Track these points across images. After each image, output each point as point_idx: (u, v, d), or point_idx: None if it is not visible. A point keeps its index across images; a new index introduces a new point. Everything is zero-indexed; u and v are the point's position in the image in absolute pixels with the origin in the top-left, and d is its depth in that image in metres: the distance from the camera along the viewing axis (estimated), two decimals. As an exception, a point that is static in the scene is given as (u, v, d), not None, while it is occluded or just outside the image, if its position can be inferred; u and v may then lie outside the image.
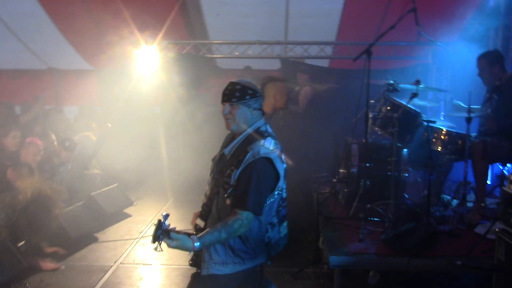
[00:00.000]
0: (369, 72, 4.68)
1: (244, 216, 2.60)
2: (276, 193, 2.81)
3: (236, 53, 9.45)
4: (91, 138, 7.95)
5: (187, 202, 7.44)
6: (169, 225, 2.44)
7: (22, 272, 4.74)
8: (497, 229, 3.45)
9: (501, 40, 7.09)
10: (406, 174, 5.30)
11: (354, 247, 4.24)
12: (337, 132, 6.16)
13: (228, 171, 2.76)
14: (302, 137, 7.51)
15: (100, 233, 6.18)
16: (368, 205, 4.99)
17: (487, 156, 4.88)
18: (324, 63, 9.94)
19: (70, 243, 5.55)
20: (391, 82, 5.17)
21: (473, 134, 5.16)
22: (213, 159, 3.06)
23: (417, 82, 5.16)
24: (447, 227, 4.61)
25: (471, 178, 5.00)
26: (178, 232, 2.44)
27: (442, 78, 8.47)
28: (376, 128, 5.17)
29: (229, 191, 2.71)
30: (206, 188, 2.96)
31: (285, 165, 2.87)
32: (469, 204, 4.97)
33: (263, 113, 2.96)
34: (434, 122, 5.03)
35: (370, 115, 5.08)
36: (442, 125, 5.36)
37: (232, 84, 2.85)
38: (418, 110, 5.16)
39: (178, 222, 4.78)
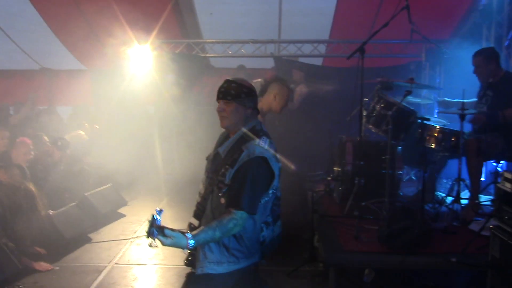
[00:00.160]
0: (363, 70, 4.68)
1: (239, 216, 2.59)
2: (271, 192, 2.80)
3: (230, 52, 9.45)
4: (83, 137, 7.89)
5: (182, 201, 7.41)
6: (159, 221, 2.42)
7: (15, 273, 4.70)
8: (491, 226, 3.46)
9: (493, 38, 7.11)
10: (401, 172, 5.31)
11: (349, 245, 4.24)
12: (331, 130, 6.16)
13: (223, 170, 2.74)
14: (297, 135, 7.50)
15: (94, 233, 6.15)
16: (363, 203, 5.00)
17: (481, 153, 4.90)
18: (318, 61, 9.96)
19: (63, 244, 5.51)
20: (385, 80, 5.17)
21: (467, 131, 5.17)
22: (207, 158, 3.04)
23: (411, 80, 5.17)
24: (441, 225, 4.62)
25: (465, 175, 5.01)
26: (172, 230, 2.43)
27: (436, 76, 8.50)
28: (370, 126, 5.17)
29: (224, 190, 2.70)
30: (200, 187, 2.94)
31: (280, 164, 2.86)
32: (464, 201, 4.98)
33: (258, 112, 2.95)
34: (428, 119, 5.03)
35: (364, 113, 5.08)
36: (436, 122, 5.37)
37: (228, 82, 2.84)
38: (411, 108, 5.17)
39: (173, 222, 4.75)
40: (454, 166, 5.15)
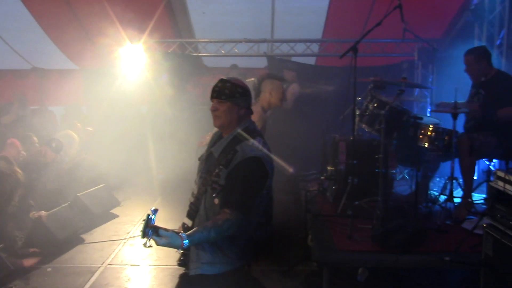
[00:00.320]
0: (356, 69, 4.68)
1: (234, 217, 2.57)
2: (264, 192, 2.79)
3: (223, 52, 9.44)
4: (73, 136, 7.82)
5: (175, 201, 7.37)
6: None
7: (7, 275, 4.67)
8: (484, 225, 3.47)
9: (485, 37, 7.14)
10: (394, 171, 5.31)
11: (343, 244, 4.23)
12: (324, 129, 6.16)
13: (217, 171, 2.73)
14: (290, 135, 7.50)
15: (87, 234, 6.12)
16: (356, 202, 5.00)
17: (473, 151, 4.91)
18: (311, 60, 9.97)
19: (56, 245, 5.48)
20: (378, 79, 5.18)
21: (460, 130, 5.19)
22: (199, 158, 3.03)
23: (404, 79, 5.18)
24: (434, 223, 4.63)
25: (458, 174, 5.03)
26: (166, 230, 2.41)
27: (428, 75, 8.53)
28: (363, 125, 5.17)
29: (218, 190, 2.69)
30: (194, 187, 2.93)
31: (273, 164, 2.85)
32: (457, 200, 5.00)
33: (252, 112, 2.94)
34: (420, 118, 5.04)
35: (357, 112, 5.08)
36: (429, 121, 5.38)
37: (222, 81, 2.83)
38: (404, 107, 5.17)
39: (166, 222, 4.74)
40: (447, 165, 5.17)
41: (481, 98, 5.11)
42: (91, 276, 4.83)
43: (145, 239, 2.33)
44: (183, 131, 8.97)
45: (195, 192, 2.88)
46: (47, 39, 9.62)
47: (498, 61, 6.59)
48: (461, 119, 5.24)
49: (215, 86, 2.83)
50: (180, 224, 2.91)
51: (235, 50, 9.37)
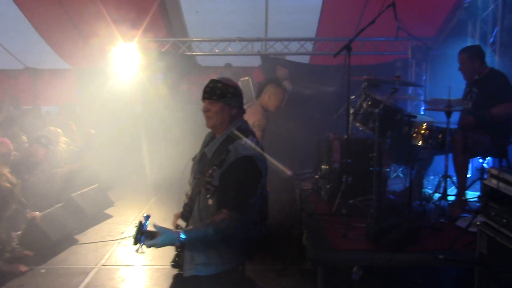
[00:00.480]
0: (349, 68, 4.68)
1: (232, 216, 2.56)
2: (259, 191, 2.78)
3: (216, 51, 9.43)
4: (57, 131, 7.73)
5: (170, 201, 7.34)
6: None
7: (0, 277, 4.65)
8: (478, 223, 3.47)
9: (479, 35, 7.16)
10: (388, 169, 5.31)
11: (337, 243, 4.23)
12: (318, 128, 6.15)
13: (210, 171, 2.72)
14: (284, 133, 7.49)
15: (81, 234, 6.09)
16: (351, 201, 5.00)
17: (467, 150, 4.92)
18: (305, 59, 9.96)
19: (49, 246, 5.45)
20: (372, 78, 5.18)
21: (453, 128, 5.20)
22: (193, 159, 3.02)
23: (397, 77, 5.18)
24: (429, 221, 4.63)
25: (452, 172, 5.03)
26: (162, 227, 2.40)
27: (422, 73, 8.55)
28: (357, 124, 5.17)
29: (211, 191, 2.68)
30: (187, 188, 2.91)
31: (267, 164, 2.84)
32: (450, 198, 5.00)
33: (244, 112, 2.93)
34: (414, 116, 5.05)
35: (351, 111, 5.08)
36: (423, 119, 5.38)
37: (213, 81, 2.82)
38: (398, 105, 5.17)
39: (161, 222, 4.71)
40: (441, 163, 5.17)
41: (474, 96, 5.12)
42: (85, 277, 4.81)
43: (137, 246, 2.33)
44: (177, 131, 8.94)
45: (189, 193, 2.86)
46: (39, 38, 9.57)
47: (492, 59, 6.61)
48: (455, 115, 5.25)
49: (206, 86, 2.82)
50: (173, 226, 2.89)
51: (229, 49, 9.36)
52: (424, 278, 4.44)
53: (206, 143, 2.93)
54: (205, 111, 2.80)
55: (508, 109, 4.87)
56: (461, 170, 5.01)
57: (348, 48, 4.70)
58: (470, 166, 5.47)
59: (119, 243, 5.81)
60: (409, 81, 8.05)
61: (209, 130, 2.98)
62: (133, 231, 2.38)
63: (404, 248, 4.01)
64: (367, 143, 5.33)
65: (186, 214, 2.81)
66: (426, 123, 5.07)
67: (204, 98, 2.81)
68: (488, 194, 3.38)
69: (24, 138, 7.10)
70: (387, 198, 5.22)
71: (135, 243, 2.33)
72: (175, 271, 2.88)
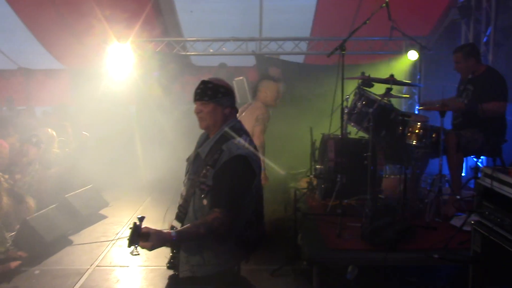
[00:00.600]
0: (343, 67, 4.68)
1: (224, 215, 2.55)
2: (254, 191, 2.77)
3: (211, 50, 9.41)
4: (51, 133, 7.70)
5: (165, 202, 7.32)
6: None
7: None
8: (472, 221, 3.48)
9: (472, 34, 7.18)
10: (382, 169, 5.32)
11: (332, 243, 4.24)
12: (313, 127, 6.16)
13: (204, 171, 2.71)
14: (279, 133, 7.49)
15: (75, 235, 6.07)
16: (345, 201, 5.01)
17: (461, 148, 4.94)
18: (299, 59, 9.96)
19: (44, 247, 5.43)
20: (366, 77, 5.18)
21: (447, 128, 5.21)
22: (187, 159, 3.01)
23: (391, 77, 5.18)
24: (423, 220, 4.65)
25: (446, 171, 5.05)
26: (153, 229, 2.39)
27: (416, 72, 8.56)
28: (352, 123, 5.18)
29: (206, 191, 2.67)
30: (182, 189, 2.90)
31: (260, 163, 2.84)
32: (445, 197, 5.02)
33: (237, 111, 2.93)
34: (409, 116, 5.06)
35: (346, 111, 5.08)
36: (417, 119, 5.39)
37: (204, 82, 2.80)
38: (392, 105, 5.18)
39: (156, 223, 4.70)
40: (436, 162, 5.18)
41: (470, 94, 5.14)
42: (80, 278, 4.79)
43: (132, 247, 2.32)
44: (172, 131, 8.92)
45: (184, 194, 2.85)
46: (33, 39, 9.53)
47: (485, 59, 6.64)
48: (449, 116, 5.26)
49: (197, 88, 2.81)
50: (168, 227, 2.88)
51: (223, 48, 9.35)
52: (419, 276, 4.45)
53: (200, 144, 2.93)
54: (198, 112, 2.79)
55: (496, 108, 4.91)
56: (455, 169, 5.03)
57: (342, 47, 4.71)
58: (464, 165, 5.48)
59: (114, 243, 5.79)
60: (403, 80, 8.06)
61: (203, 130, 2.97)
62: (127, 232, 2.36)
63: (398, 247, 4.02)
64: (361, 143, 5.34)
65: (181, 215, 2.79)
66: (420, 122, 5.09)
67: (195, 99, 2.80)
68: (482, 193, 3.40)
69: (15, 138, 7.06)
70: (382, 197, 5.22)
71: (130, 245, 2.32)
72: (170, 272, 2.87)
